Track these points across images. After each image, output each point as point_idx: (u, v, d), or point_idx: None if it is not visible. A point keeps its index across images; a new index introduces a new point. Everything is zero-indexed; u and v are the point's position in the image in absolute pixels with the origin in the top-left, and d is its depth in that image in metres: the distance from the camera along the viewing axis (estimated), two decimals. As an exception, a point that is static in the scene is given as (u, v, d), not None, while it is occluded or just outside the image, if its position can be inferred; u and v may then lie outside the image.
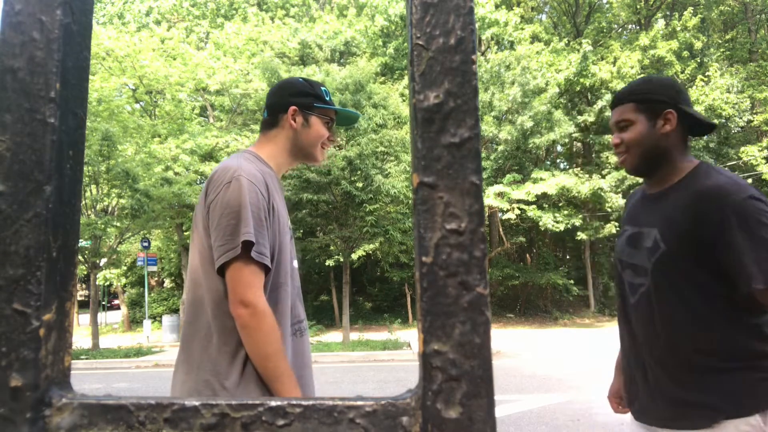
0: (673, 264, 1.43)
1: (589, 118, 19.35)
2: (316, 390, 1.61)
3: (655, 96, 1.52)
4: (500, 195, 17.50)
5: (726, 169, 1.53)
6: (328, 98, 1.65)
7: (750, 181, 20.91)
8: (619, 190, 18.08)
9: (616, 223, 17.83)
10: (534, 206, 17.73)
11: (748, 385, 1.36)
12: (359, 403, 0.32)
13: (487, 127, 17.93)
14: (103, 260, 15.57)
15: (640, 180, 1.70)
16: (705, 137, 23.59)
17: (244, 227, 1.35)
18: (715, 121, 20.43)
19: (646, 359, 1.51)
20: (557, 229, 17.86)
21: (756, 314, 1.39)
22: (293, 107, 1.58)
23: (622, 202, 17.64)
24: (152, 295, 22.60)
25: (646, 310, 1.50)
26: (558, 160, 23.46)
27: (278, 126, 1.60)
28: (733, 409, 1.35)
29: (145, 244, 16.50)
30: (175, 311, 19.95)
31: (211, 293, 1.41)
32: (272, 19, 19.83)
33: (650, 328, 1.50)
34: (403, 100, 15.40)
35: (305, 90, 1.61)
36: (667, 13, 24.56)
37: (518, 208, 17.56)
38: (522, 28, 20.67)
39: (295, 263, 1.58)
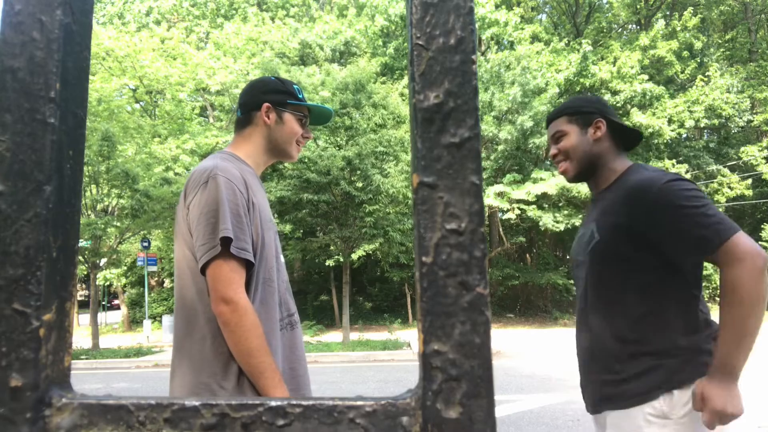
0: (605, 253, 1.55)
1: (589, 118, 19.33)
2: (313, 385, 1.61)
3: (584, 108, 1.68)
4: (500, 195, 17.49)
5: (673, 165, 1.67)
6: (300, 96, 1.66)
7: (750, 181, 20.93)
8: (619, 190, 18.08)
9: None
10: (534, 206, 17.72)
11: (656, 370, 1.45)
12: (359, 403, 0.32)
13: (487, 127, 17.93)
14: (103, 260, 15.55)
15: None
16: (704, 138, 23.67)
17: (222, 224, 1.36)
18: (715, 121, 20.52)
19: (588, 349, 1.63)
20: (557, 229, 17.86)
21: (681, 305, 1.48)
22: (266, 104, 1.59)
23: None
24: (152, 295, 22.60)
25: (583, 299, 1.63)
26: (558, 160, 23.42)
27: (252, 124, 1.61)
28: (641, 395, 1.45)
29: (145, 244, 16.49)
30: (175, 311, 19.91)
31: (202, 296, 1.40)
32: (272, 19, 19.83)
33: (586, 316, 1.62)
34: (403, 100, 15.40)
35: (278, 88, 1.63)
36: (667, 13, 24.56)
37: (518, 208, 17.56)
38: (522, 28, 20.67)
39: (281, 258, 1.58)
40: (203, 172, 1.43)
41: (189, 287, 1.43)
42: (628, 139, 1.70)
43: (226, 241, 1.35)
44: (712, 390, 1.34)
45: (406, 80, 19.20)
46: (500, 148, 18.62)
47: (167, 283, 24.72)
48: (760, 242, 20.33)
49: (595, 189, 1.70)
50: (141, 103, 17.00)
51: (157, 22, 19.72)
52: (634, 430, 1.45)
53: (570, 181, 1.71)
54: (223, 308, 1.33)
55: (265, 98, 1.60)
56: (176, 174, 13.56)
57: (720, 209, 20.95)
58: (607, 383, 1.54)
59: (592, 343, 1.60)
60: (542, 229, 18.69)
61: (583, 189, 17.39)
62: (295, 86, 1.66)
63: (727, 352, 1.33)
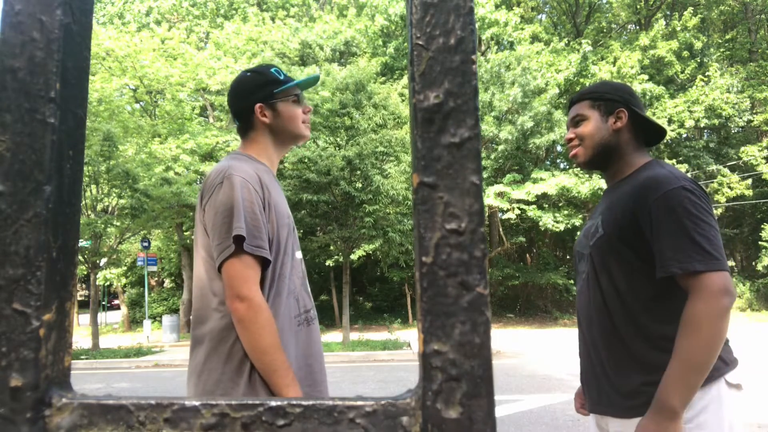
0: (607, 248, 1.50)
1: (589, 118, 19.33)
2: (327, 379, 1.62)
3: (609, 95, 1.60)
4: (500, 195, 17.49)
5: (673, 165, 1.60)
6: (282, 77, 1.63)
7: (750, 181, 20.92)
8: (619, 190, 18.07)
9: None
10: (534, 206, 17.73)
11: (655, 382, 1.37)
12: (359, 403, 0.32)
13: (487, 127, 17.92)
14: (103, 260, 15.55)
15: None
16: (704, 137, 23.66)
17: (236, 222, 1.37)
18: (715, 121, 20.50)
19: (587, 346, 1.57)
20: (557, 229, 17.86)
21: (677, 305, 1.39)
22: (258, 105, 1.58)
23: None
24: (152, 295, 22.60)
25: (585, 294, 1.58)
26: (558, 160, 23.46)
27: (253, 128, 1.61)
28: (643, 405, 1.37)
29: (145, 244, 16.49)
30: (175, 311, 19.94)
31: (218, 295, 1.42)
32: (272, 19, 19.82)
33: (588, 312, 1.56)
34: (403, 100, 15.39)
35: (259, 83, 1.61)
36: (667, 13, 24.55)
37: (518, 208, 17.56)
38: (522, 28, 20.66)
39: (299, 254, 1.58)
40: (218, 174, 1.44)
41: (206, 287, 1.45)
42: (651, 134, 1.63)
43: (239, 239, 1.36)
44: (645, 428, 1.29)
45: (406, 80, 19.19)
46: (500, 148, 18.61)
47: (167, 283, 24.72)
48: (760, 242, 20.34)
49: (609, 181, 1.65)
50: (141, 103, 17.00)
51: (158, 22, 19.71)
52: None
53: (579, 166, 1.65)
54: (237, 305, 1.35)
55: (254, 99, 1.58)
56: (176, 174, 13.56)
57: (720, 209, 20.44)
58: (607, 389, 1.49)
59: (592, 345, 1.54)
60: (542, 229, 18.68)
61: (582, 189, 17.40)
62: (273, 70, 1.64)
63: (670, 387, 1.27)
